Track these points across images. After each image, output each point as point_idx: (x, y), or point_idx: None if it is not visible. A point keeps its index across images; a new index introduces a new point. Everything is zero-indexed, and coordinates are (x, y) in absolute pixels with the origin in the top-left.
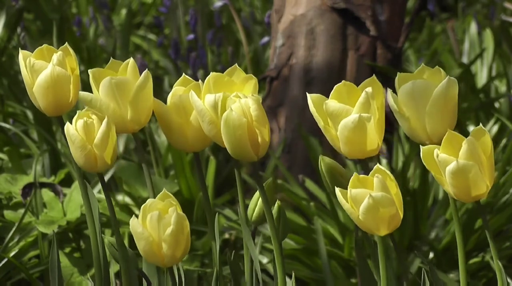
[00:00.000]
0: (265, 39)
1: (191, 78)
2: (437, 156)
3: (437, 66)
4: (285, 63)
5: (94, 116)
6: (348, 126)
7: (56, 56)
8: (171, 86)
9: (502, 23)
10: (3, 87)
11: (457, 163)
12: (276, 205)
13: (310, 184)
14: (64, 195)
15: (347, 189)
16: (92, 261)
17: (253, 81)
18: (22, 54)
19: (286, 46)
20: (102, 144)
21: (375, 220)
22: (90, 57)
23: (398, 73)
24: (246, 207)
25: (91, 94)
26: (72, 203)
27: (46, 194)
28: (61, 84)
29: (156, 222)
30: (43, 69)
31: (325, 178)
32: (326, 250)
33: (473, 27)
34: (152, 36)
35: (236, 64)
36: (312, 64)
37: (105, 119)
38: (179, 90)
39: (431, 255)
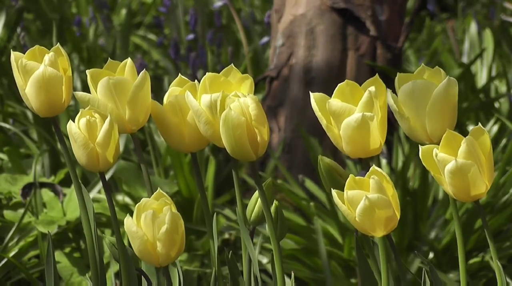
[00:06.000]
0: (265, 39)
1: (187, 79)
2: (436, 155)
3: (437, 66)
4: (285, 63)
5: (96, 115)
6: (351, 125)
7: (48, 56)
8: None
9: (502, 23)
10: (3, 87)
11: (456, 162)
12: (273, 205)
13: (310, 184)
14: (64, 195)
15: None
16: None
17: (249, 81)
18: (13, 55)
19: (286, 46)
20: (105, 142)
21: (371, 221)
22: (90, 57)
23: (398, 73)
24: (244, 207)
25: (88, 94)
26: (72, 203)
27: (46, 194)
28: (53, 84)
29: (150, 221)
30: (35, 70)
31: (324, 178)
32: (326, 250)
33: (473, 27)
34: (152, 36)
35: (232, 64)
36: (312, 64)
37: (108, 118)
38: (175, 90)
39: (431, 255)
